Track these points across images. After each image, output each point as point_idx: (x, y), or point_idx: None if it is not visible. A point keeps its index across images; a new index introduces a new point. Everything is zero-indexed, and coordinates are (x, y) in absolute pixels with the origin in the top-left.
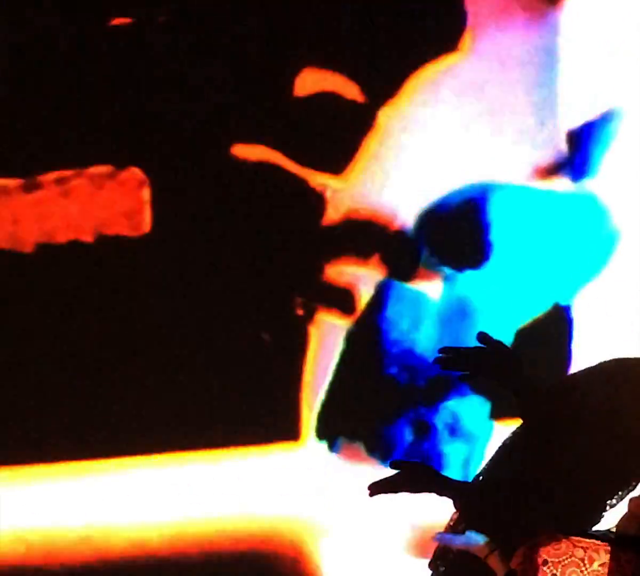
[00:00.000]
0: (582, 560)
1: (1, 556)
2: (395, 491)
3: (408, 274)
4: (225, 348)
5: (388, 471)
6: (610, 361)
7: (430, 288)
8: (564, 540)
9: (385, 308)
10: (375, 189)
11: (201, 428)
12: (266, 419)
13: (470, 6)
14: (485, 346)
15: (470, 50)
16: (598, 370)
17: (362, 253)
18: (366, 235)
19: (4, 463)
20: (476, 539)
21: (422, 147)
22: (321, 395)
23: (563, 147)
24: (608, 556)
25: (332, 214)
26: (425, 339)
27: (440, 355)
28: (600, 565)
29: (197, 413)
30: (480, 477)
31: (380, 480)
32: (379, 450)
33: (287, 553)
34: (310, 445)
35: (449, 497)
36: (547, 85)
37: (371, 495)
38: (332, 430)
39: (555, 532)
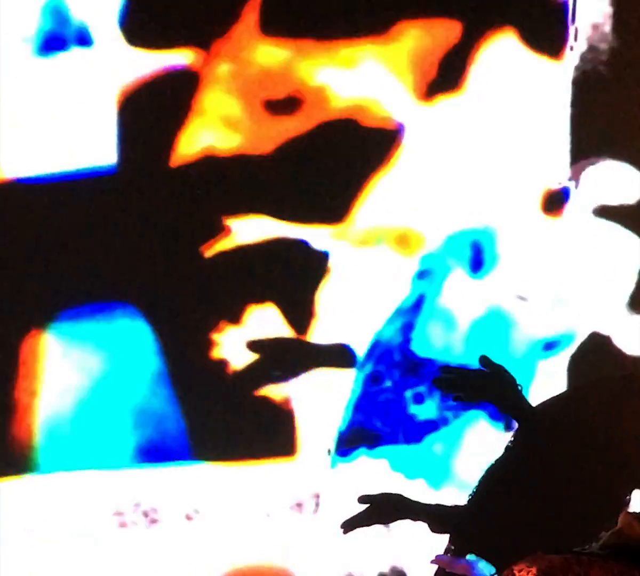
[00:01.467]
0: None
1: None
2: (369, 525)
3: None
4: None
5: (359, 507)
6: (603, 379)
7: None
8: (556, 559)
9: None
10: None
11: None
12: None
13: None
14: (486, 369)
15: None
16: (591, 388)
17: None
18: None
19: None
20: (477, 565)
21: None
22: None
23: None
24: (602, 571)
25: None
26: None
27: (441, 374)
28: None
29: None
30: (474, 499)
31: (352, 517)
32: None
33: None
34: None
35: (424, 521)
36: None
37: (345, 532)
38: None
39: (547, 552)
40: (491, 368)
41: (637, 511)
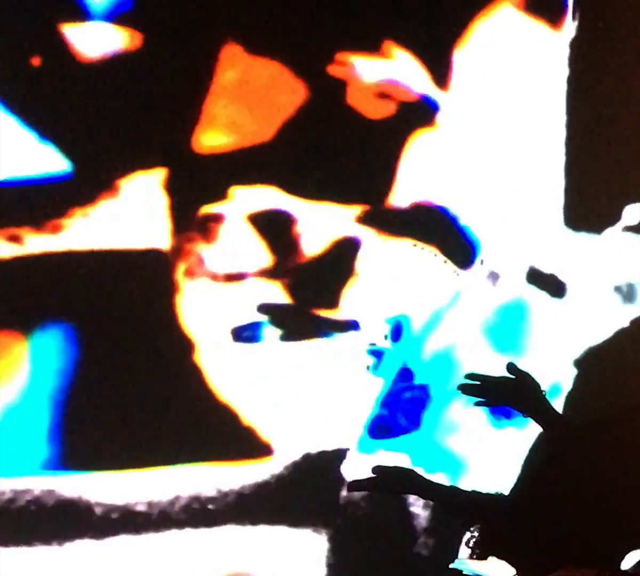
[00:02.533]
0: None
1: None
2: (376, 491)
3: None
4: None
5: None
6: None
7: None
8: (588, 573)
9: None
10: None
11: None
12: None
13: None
14: (512, 376)
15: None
16: (635, 409)
17: None
18: None
19: None
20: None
21: None
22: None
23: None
24: None
25: None
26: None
27: (466, 381)
28: None
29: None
30: (504, 497)
31: (363, 479)
32: None
33: None
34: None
35: (433, 500)
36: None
37: (350, 490)
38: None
39: (582, 566)
40: (517, 375)
41: None
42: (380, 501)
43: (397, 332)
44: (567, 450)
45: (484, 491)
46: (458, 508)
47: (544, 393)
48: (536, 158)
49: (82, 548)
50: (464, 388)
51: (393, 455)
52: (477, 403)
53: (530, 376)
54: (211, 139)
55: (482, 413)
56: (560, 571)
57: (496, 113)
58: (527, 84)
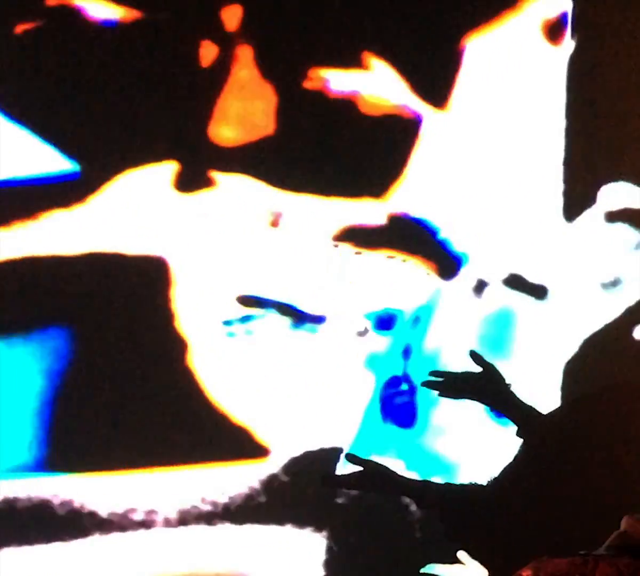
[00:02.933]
0: (585, 575)
1: None
2: (350, 488)
3: None
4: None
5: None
6: (611, 387)
7: None
8: (563, 562)
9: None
10: None
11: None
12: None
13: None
14: (477, 369)
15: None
16: (600, 397)
17: None
18: None
19: None
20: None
21: None
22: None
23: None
24: (608, 568)
25: None
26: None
27: (431, 378)
28: None
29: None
30: (479, 486)
31: (337, 475)
32: None
33: None
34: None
35: (404, 495)
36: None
37: (323, 485)
38: None
39: (549, 556)
40: (482, 367)
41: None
42: (377, 501)
43: (386, 323)
44: (535, 441)
45: (456, 483)
46: (431, 501)
47: (509, 385)
48: (534, 172)
49: (74, 549)
50: (428, 384)
51: (386, 460)
52: (442, 395)
53: (494, 368)
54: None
55: (480, 411)
56: (535, 562)
57: (493, 125)
58: (526, 99)
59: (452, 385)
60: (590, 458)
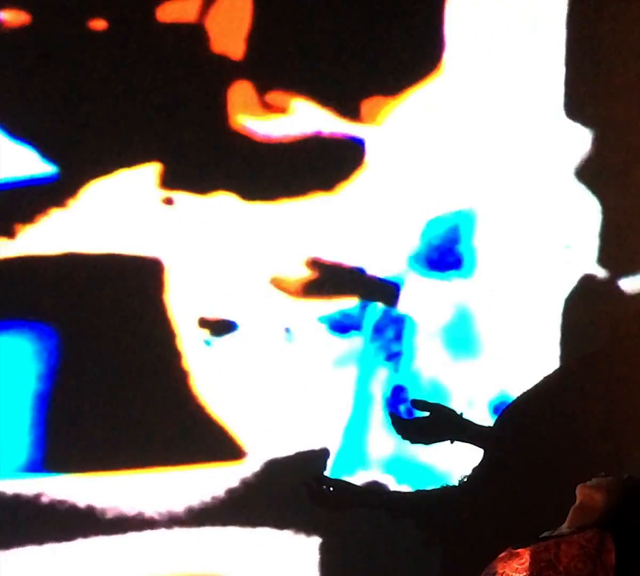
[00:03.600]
0: (550, 561)
1: None
2: (323, 506)
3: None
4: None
5: None
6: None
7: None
8: (525, 553)
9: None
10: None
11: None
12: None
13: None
14: (427, 413)
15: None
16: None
17: None
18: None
19: None
20: None
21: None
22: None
23: None
24: (569, 547)
25: None
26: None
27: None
28: (568, 558)
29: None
30: (454, 488)
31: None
32: None
33: None
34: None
35: (377, 506)
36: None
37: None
38: None
39: (510, 548)
40: (428, 410)
41: (590, 481)
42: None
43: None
44: (495, 453)
45: (427, 488)
46: (404, 511)
47: (461, 415)
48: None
49: (58, 550)
50: (395, 429)
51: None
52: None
53: (441, 407)
54: None
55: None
56: (499, 558)
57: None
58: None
59: (413, 433)
60: (543, 447)
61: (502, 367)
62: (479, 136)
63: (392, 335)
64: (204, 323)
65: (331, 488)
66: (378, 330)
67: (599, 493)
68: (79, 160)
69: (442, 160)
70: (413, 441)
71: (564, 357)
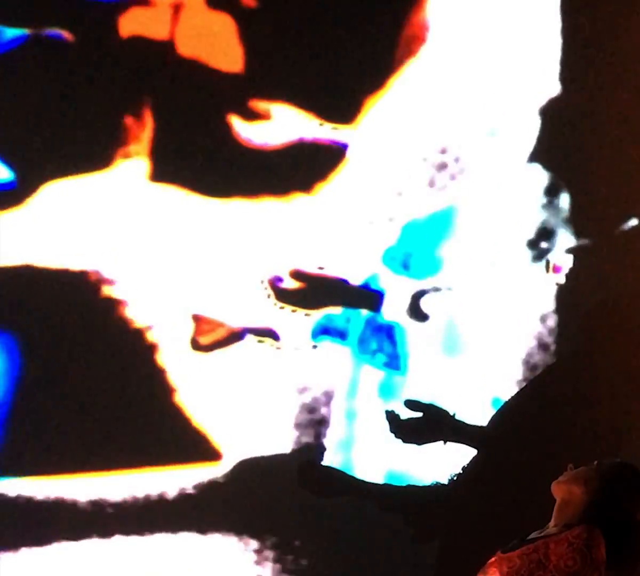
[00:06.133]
0: (540, 561)
1: None
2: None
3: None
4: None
5: None
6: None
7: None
8: (514, 556)
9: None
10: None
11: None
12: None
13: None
14: (420, 414)
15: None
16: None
17: None
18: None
19: None
20: None
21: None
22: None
23: None
24: (557, 545)
25: None
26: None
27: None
28: (557, 556)
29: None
30: (443, 486)
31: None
32: None
33: None
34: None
35: (367, 499)
36: None
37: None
38: None
39: (499, 552)
40: (422, 411)
41: (562, 476)
42: (333, 504)
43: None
44: (488, 452)
45: (418, 484)
46: (391, 503)
47: (454, 415)
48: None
49: (29, 554)
50: (393, 431)
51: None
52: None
53: (435, 406)
54: None
55: None
56: (490, 563)
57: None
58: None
59: (407, 434)
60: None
61: (490, 368)
62: (461, 135)
63: (377, 340)
64: (183, 326)
65: (323, 476)
66: (364, 336)
67: (576, 485)
68: (35, 166)
69: (422, 159)
70: (405, 441)
71: (556, 356)
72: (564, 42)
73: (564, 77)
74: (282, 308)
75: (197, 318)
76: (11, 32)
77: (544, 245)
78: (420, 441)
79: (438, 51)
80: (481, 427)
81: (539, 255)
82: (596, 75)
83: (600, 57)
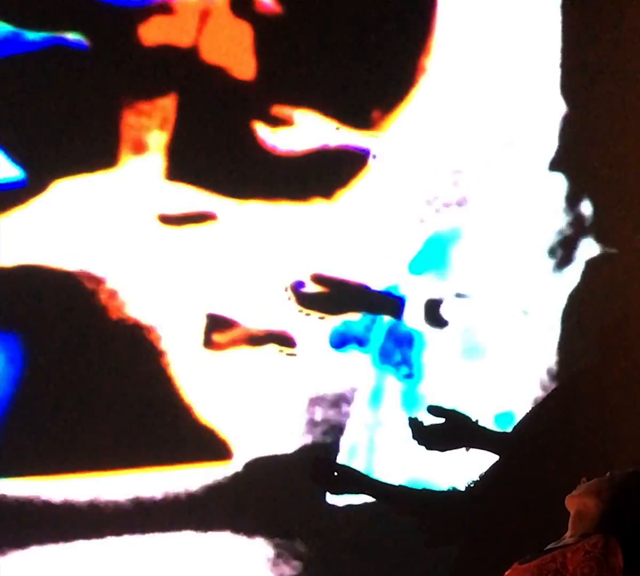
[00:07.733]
0: (557, 570)
1: None
2: (330, 491)
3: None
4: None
5: None
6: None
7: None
8: (529, 566)
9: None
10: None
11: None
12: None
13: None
14: (443, 419)
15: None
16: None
17: None
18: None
19: None
20: None
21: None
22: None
23: None
24: (575, 554)
25: None
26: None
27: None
28: (574, 565)
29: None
30: (459, 492)
31: (318, 477)
32: None
33: None
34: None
35: (380, 499)
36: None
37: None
38: None
39: (517, 563)
40: (443, 416)
41: (575, 490)
42: (344, 506)
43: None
44: (509, 459)
45: (434, 489)
46: (408, 508)
47: (477, 422)
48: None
49: (37, 552)
50: (415, 437)
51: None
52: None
53: (456, 413)
54: None
55: None
56: (509, 572)
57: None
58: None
59: (429, 440)
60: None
61: (509, 376)
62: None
63: (399, 347)
64: (196, 325)
65: (337, 473)
66: (386, 345)
67: (589, 498)
68: (45, 165)
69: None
70: (429, 448)
71: (580, 363)
72: (581, 51)
73: (582, 86)
74: (307, 314)
75: (212, 317)
76: (30, 35)
77: (564, 253)
78: (443, 448)
79: (454, 57)
80: (505, 434)
81: (560, 263)
82: (616, 85)
83: (622, 64)
